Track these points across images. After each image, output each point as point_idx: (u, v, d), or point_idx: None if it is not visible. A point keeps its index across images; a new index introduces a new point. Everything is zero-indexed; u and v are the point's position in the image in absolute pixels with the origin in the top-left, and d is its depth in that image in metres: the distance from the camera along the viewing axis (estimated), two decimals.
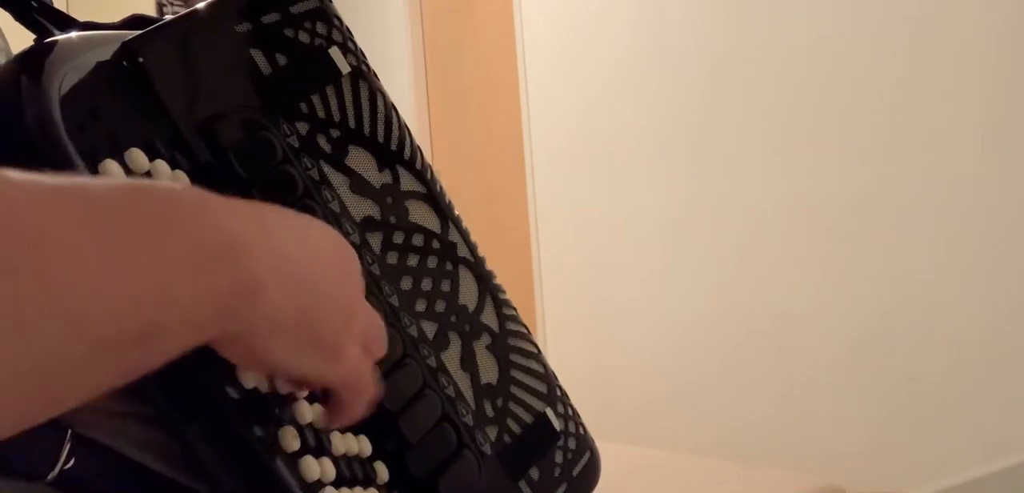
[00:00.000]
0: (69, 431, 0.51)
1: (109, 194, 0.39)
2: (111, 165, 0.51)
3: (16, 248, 0.33)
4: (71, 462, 0.51)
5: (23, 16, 0.57)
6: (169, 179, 0.54)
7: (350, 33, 0.65)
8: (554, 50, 3.43)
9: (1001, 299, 2.58)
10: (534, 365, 0.72)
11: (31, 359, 0.34)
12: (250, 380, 0.53)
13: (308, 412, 0.56)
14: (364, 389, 0.54)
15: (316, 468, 0.55)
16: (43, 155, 0.49)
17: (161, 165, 0.53)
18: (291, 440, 0.54)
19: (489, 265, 0.72)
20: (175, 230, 0.40)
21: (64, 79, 0.50)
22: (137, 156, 0.52)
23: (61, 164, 0.49)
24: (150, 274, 0.38)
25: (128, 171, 0.52)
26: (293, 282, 0.46)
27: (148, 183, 0.49)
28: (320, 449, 0.56)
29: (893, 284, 2.70)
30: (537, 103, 3.50)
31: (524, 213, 3.58)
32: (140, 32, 0.56)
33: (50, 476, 0.50)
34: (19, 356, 0.33)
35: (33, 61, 0.51)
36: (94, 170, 0.50)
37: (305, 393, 0.56)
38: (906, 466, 2.67)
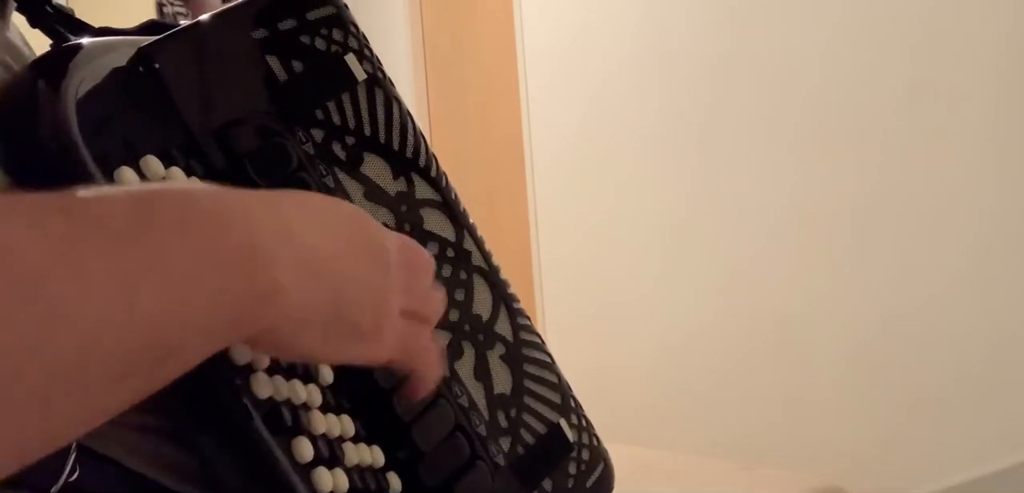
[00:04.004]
0: (75, 443, 0.50)
1: (118, 208, 0.38)
2: (127, 172, 0.50)
3: (21, 285, 0.33)
4: (76, 474, 0.50)
5: (38, 21, 0.57)
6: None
7: (366, 40, 0.64)
8: (554, 50, 3.42)
9: (1002, 301, 2.58)
10: (548, 375, 0.71)
11: (47, 387, 0.33)
12: (264, 390, 0.53)
13: (321, 422, 0.56)
14: (424, 353, 0.54)
15: (329, 480, 0.54)
16: (59, 161, 0.49)
17: (176, 172, 0.53)
18: (305, 451, 0.54)
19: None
20: (187, 242, 0.39)
21: (80, 85, 0.50)
22: (153, 163, 0.52)
23: (76, 170, 0.48)
24: (163, 292, 0.37)
25: (143, 178, 0.51)
26: (317, 278, 0.45)
27: (160, 189, 0.48)
28: (333, 460, 0.56)
29: (894, 286, 2.70)
30: (537, 103, 3.49)
31: (524, 213, 3.58)
32: (155, 38, 0.56)
33: (54, 489, 0.49)
34: (35, 384, 0.33)
35: (50, 66, 0.51)
36: (109, 176, 0.50)
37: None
38: (907, 466, 2.67)
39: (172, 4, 3.34)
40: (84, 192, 0.38)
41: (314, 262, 0.45)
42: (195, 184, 0.51)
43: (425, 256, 0.55)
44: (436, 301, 0.56)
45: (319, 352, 0.48)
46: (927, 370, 2.66)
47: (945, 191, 2.62)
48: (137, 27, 0.59)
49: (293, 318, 0.44)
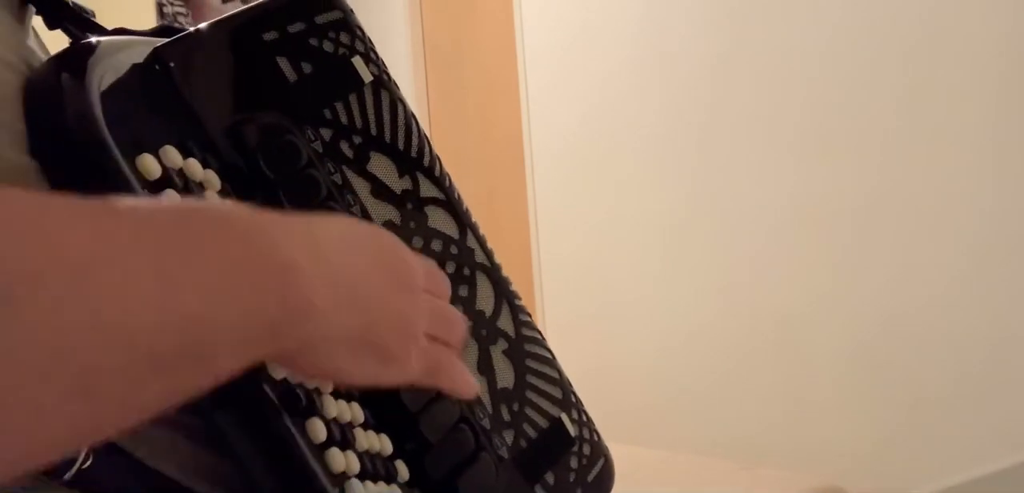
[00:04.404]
0: None
1: (159, 215, 0.40)
2: (148, 159, 0.52)
3: (60, 275, 0.34)
4: (89, 462, 0.51)
5: (56, 22, 0.58)
6: (200, 177, 0.55)
7: (372, 43, 0.66)
8: (554, 50, 3.43)
9: (1002, 301, 2.59)
10: (549, 371, 0.73)
11: (79, 382, 0.34)
12: (280, 372, 0.54)
13: (333, 407, 0.57)
14: (451, 372, 0.56)
15: (342, 460, 0.56)
16: (83, 150, 0.50)
17: (193, 163, 0.55)
18: (318, 431, 0.55)
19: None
20: (224, 252, 0.40)
21: (102, 78, 0.51)
22: (171, 153, 0.54)
23: (101, 157, 0.50)
24: (198, 297, 0.38)
25: (163, 167, 0.53)
26: (349, 300, 0.47)
27: (199, 203, 0.50)
28: (345, 443, 0.57)
29: (894, 286, 2.71)
30: (537, 103, 3.50)
31: (524, 213, 3.58)
32: (171, 38, 0.57)
33: (68, 475, 0.50)
34: (67, 379, 0.34)
35: (73, 59, 0.53)
36: (131, 163, 0.51)
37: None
38: (907, 466, 2.68)
39: (172, 4, 3.35)
40: (129, 199, 0.40)
41: (345, 284, 0.47)
42: (229, 204, 0.53)
43: (446, 281, 0.58)
44: (460, 325, 0.58)
45: (348, 372, 0.49)
46: (927, 370, 2.67)
47: (945, 191, 2.63)
48: (149, 30, 0.61)
49: (327, 337, 0.46)
